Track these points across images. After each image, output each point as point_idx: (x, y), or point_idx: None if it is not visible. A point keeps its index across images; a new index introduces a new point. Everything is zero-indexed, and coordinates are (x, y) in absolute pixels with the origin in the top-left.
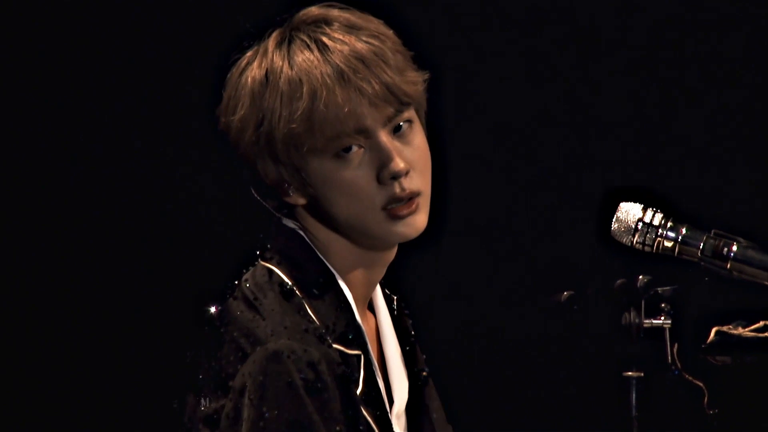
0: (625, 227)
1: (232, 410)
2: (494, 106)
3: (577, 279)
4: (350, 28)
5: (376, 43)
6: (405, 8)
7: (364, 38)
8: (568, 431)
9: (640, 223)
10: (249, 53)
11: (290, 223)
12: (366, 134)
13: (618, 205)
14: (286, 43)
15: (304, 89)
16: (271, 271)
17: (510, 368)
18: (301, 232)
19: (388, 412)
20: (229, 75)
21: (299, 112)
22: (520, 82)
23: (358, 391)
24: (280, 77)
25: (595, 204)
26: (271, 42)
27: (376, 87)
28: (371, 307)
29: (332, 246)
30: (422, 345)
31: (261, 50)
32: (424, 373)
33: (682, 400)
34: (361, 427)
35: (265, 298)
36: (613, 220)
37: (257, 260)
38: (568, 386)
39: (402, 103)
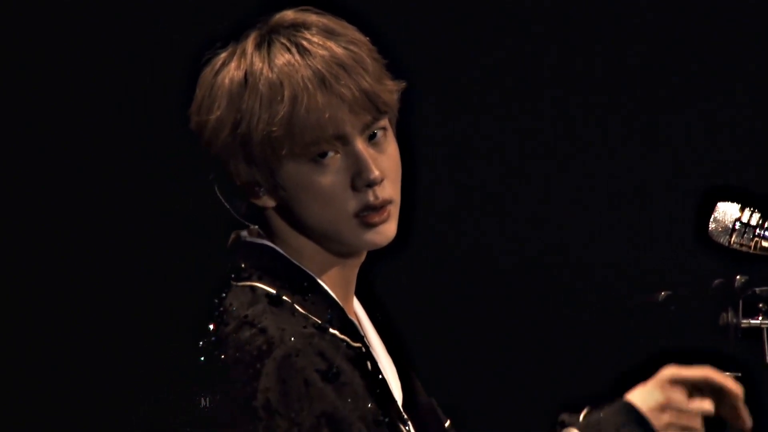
0: (722, 227)
1: (264, 429)
2: (592, 102)
3: (674, 279)
4: (329, 34)
5: (354, 49)
6: (378, 16)
7: (342, 44)
8: None
9: (738, 223)
10: (223, 54)
11: (257, 239)
12: (344, 141)
13: (715, 205)
14: (266, 45)
15: (286, 93)
16: (253, 287)
17: (606, 369)
18: (270, 244)
19: (398, 402)
20: (202, 74)
21: (279, 116)
22: (605, 79)
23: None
24: (260, 79)
25: (693, 204)
26: (250, 43)
27: (356, 94)
28: None
29: (304, 250)
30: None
31: (238, 51)
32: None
33: None
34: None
35: (255, 312)
36: (711, 220)
37: (232, 284)
38: None
39: (379, 111)
